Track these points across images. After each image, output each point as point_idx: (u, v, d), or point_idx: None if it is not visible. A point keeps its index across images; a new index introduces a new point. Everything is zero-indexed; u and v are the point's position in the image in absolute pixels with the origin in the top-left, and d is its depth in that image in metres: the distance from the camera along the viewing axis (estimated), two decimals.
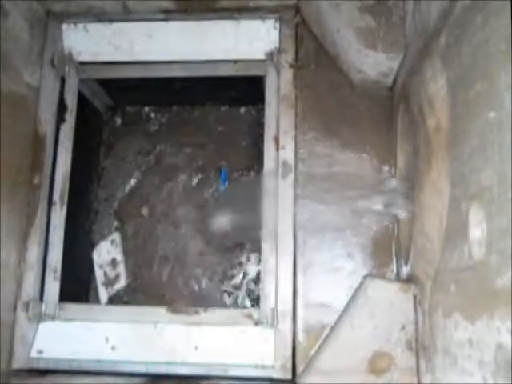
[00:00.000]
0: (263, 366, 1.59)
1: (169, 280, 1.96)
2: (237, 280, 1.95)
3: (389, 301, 1.34)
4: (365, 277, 1.48)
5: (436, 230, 1.13)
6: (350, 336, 1.35)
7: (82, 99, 1.90)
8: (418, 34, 1.34)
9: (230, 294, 1.94)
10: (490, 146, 0.85)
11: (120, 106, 2.08)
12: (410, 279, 1.37)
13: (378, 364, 1.30)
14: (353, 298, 1.45)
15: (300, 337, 1.57)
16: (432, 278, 1.17)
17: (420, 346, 1.27)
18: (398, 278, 1.50)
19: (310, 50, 1.73)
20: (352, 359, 1.33)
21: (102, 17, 1.82)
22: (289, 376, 1.57)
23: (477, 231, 0.89)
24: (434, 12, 1.22)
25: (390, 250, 1.59)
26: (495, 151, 0.82)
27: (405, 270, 1.47)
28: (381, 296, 1.35)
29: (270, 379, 1.59)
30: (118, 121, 2.07)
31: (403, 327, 1.32)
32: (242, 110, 2.07)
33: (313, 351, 1.53)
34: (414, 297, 1.32)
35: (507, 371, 0.77)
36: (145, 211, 1.99)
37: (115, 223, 2.01)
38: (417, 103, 1.30)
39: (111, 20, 1.82)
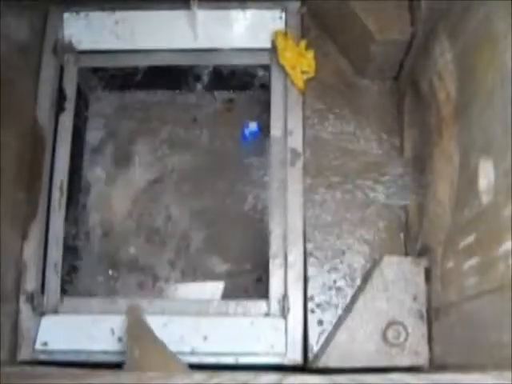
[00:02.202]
0: (274, 354, 1.88)
1: None
2: None
3: (401, 274, 1.66)
4: (378, 256, 1.82)
5: (447, 195, 1.45)
6: (364, 309, 1.65)
7: (80, 92, 2.19)
8: (424, 19, 1.69)
9: None
10: (496, 102, 1.18)
11: (120, 97, 2.37)
12: (421, 253, 1.70)
13: (391, 333, 1.62)
14: (367, 276, 1.77)
15: (312, 324, 1.85)
16: (443, 242, 1.49)
17: (433, 312, 1.60)
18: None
19: (316, 40, 2.06)
20: (367, 330, 1.64)
21: (104, 5, 2.12)
22: (300, 361, 1.87)
23: (485, 180, 1.20)
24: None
25: (399, 235, 1.91)
26: (501, 105, 1.15)
27: (414, 251, 1.80)
28: (393, 270, 1.67)
29: (282, 366, 1.87)
30: (119, 113, 2.36)
31: (415, 298, 1.64)
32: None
33: (324, 336, 1.84)
34: (426, 269, 1.65)
35: None
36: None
37: None
38: (427, 81, 1.63)
39: (114, 8, 2.12)
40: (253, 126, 2.30)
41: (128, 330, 1.78)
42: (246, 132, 2.30)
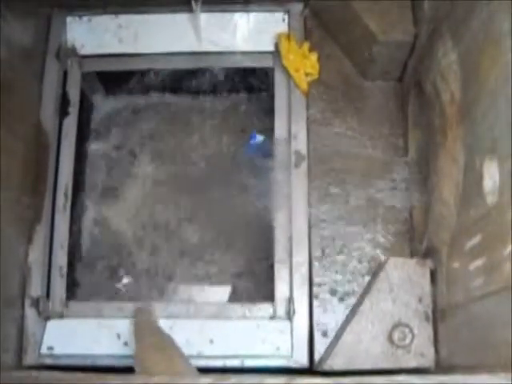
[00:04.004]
0: (280, 356, 1.89)
1: None
2: None
3: (406, 276, 1.66)
4: (383, 258, 1.82)
5: (453, 196, 1.45)
6: (369, 311, 1.65)
7: (83, 97, 2.20)
8: (427, 20, 1.70)
9: None
10: (500, 103, 1.18)
11: (124, 101, 2.39)
12: (426, 255, 1.70)
13: (397, 335, 1.62)
14: (372, 278, 1.77)
15: (317, 327, 1.86)
16: (448, 243, 1.49)
17: (438, 314, 1.60)
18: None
19: (319, 42, 2.07)
20: (372, 332, 1.64)
21: (107, 9, 2.13)
22: (306, 364, 1.88)
23: (490, 181, 1.20)
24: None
25: (404, 236, 1.91)
26: (505, 105, 1.15)
27: (419, 252, 1.80)
28: (399, 272, 1.66)
29: (288, 369, 1.87)
30: (123, 117, 2.38)
31: (420, 299, 1.64)
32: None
33: (331, 338, 1.84)
34: (431, 270, 1.66)
35: None
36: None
37: None
38: (430, 82, 1.64)
39: (116, 12, 2.13)
40: (259, 138, 2.29)
41: (136, 330, 1.78)
42: (252, 143, 2.29)
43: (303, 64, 2.03)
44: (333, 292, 1.89)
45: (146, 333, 1.76)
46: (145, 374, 1.50)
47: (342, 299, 1.89)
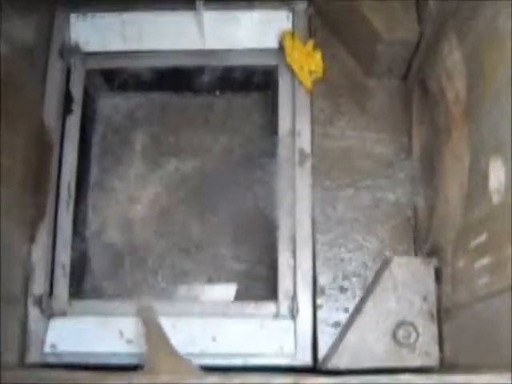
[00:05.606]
0: (283, 355, 1.89)
1: None
2: None
3: (411, 275, 1.67)
4: (387, 257, 1.83)
5: (458, 195, 1.46)
6: (374, 310, 1.66)
7: (86, 95, 2.21)
8: (433, 19, 1.71)
9: None
10: (505, 102, 1.19)
11: (127, 99, 2.40)
12: (431, 253, 1.71)
13: (401, 333, 1.63)
14: (376, 277, 1.78)
15: (321, 325, 1.87)
16: (453, 242, 1.51)
17: (443, 313, 1.61)
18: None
19: (323, 40, 2.08)
20: (377, 331, 1.65)
21: (111, 7, 2.14)
22: (310, 363, 1.89)
23: (496, 180, 1.22)
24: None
25: (408, 235, 1.93)
26: (509, 104, 1.16)
27: (423, 250, 1.82)
28: (403, 271, 1.68)
29: (291, 367, 1.88)
30: (126, 115, 2.39)
31: (425, 298, 1.65)
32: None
33: (334, 336, 1.85)
34: (436, 269, 1.66)
35: None
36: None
37: None
38: (435, 80, 1.65)
39: (120, 10, 2.14)
40: None
41: (141, 330, 1.79)
42: None
43: (307, 62, 2.04)
44: (337, 291, 1.90)
45: (153, 332, 1.77)
46: (151, 373, 1.51)
47: (346, 298, 1.89)
